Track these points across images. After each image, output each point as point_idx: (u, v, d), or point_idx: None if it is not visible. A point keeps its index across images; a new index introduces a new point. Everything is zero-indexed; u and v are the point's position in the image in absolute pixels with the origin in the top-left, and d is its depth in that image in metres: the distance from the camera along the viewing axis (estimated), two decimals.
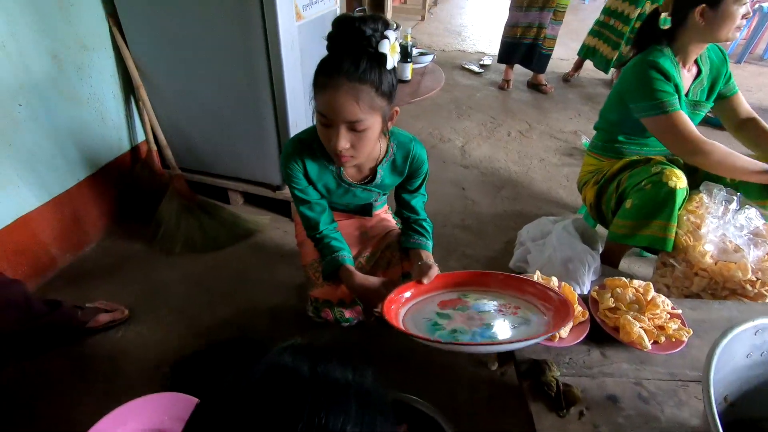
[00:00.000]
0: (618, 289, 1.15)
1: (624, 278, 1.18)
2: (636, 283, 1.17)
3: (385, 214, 1.56)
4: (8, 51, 1.43)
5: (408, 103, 2.18)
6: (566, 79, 3.95)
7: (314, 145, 1.15)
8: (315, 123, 1.06)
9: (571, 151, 2.82)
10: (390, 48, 0.95)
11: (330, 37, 0.98)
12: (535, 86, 3.72)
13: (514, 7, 3.33)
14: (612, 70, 3.67)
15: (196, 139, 2.02)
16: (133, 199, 2.04)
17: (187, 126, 1.98)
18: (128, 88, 1.95)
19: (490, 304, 1.05)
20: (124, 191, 2.02)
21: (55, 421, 1.29)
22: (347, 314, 1.26)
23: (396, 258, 1.34)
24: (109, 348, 1.50)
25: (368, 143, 1.02)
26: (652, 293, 1.12)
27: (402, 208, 1.35)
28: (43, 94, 1.58)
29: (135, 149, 2.07)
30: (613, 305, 1.11)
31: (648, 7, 3.20)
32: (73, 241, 1.84)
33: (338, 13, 2.12)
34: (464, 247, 2.01)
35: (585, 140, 2.86)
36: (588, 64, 3.86)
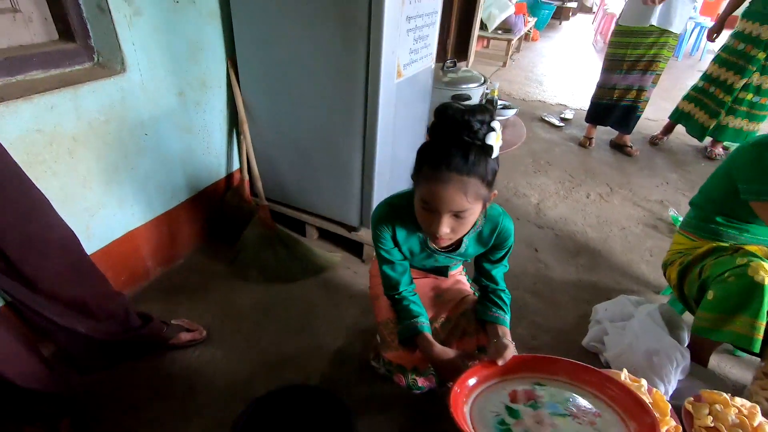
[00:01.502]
0: (717, 406, 1.05)
1: (724, 394, 1.08)
2: (739, 401, 1.07)
3: (460, 276, 1.56)
4: (147, 88, 1.63)
5: None
6: (654, 142, 3.77)
7: (404, 212, 1.18)
8: (414, 202, 1.08)
9: (656, 223, 2.66)
10: (496, 139, 0.96)
11: (434, 126, 1.01)
12: (619, 147, 3.58)
13: (611, 70, 3.24)
14: (707, 139, 3.46)
15: (284, 172, 2.14)
16: (221, 223, 2.20)
17: (278, 160, 2.12)
18: (233, 122, 2.12)
19: (566, 405, 1.00)
20: (215, 214, 2.19)
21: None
22: (420, 382, 1.25)
23: (471, 329, 1.33)
24: (186, 366, 1.60)
25: (468, 226, 1.04)
26: (759, 419, 1.02)
27: (481, 276, 1.34)
28: (165, 125, 1.77)
29: (229, 177, 2.23)
30: (712, 425, 1.02)
31: (756, 79, 3.01)
32: (166, 256, 2.00)
33: (432, 68, 2.19)
34: (534, 314, 1.94)
35: (673, 213, 2.69)
36: (679, 128, 3.67)
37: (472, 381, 1.09)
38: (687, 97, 3.49)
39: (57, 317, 1.29)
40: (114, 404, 1.46)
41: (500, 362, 1.09)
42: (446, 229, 1.01)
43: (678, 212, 2.70)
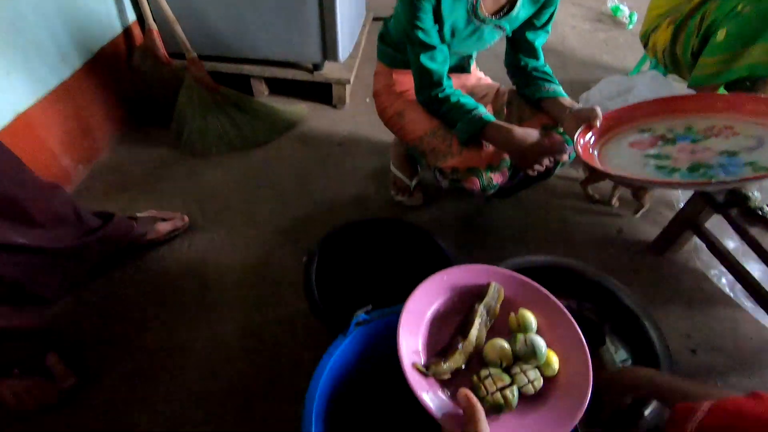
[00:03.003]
0: None
1: None
2: None
3: (479, 73, 1.35)
4: None
5: None
6: None
7: None
8: None
9: (599, 17, 2.63)
10: None
11: None
12: None
13: None
14: None
15: (210, 13, 1.62)
16: (143, 101, 1.67)
17: None
18: None
19: (696, 132, 0.87)
20: (130, 91, 1.64)
21: (153, 345, 1.09)
22: (495, 179, 1.09)
23: (527, 112, 1.16)
24: (181, 261, 1.26)
25: None
26: None
27: (520, 53, 1.15)
28: None
29: (127, 31, 1.64)
30: None
31: None
32: (83, 149, 1.48)
33: None
34: None
35: (611, 3, 2.66)
36: None
37: (586, 138, 0.94)
38: None
39: None
40: (107, 323, 1.12)
41: (597, 123, 0.95)
42: None
43: (616, 1, 2.67)
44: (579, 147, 0.92)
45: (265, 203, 1.44)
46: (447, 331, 0.64)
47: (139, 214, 1.28)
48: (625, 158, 0.88)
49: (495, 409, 0.53)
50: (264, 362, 1.06)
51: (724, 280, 1.27)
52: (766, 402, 0.46)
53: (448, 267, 0.70)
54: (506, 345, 0.59)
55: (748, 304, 1.21)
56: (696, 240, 1.33)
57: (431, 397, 0.54)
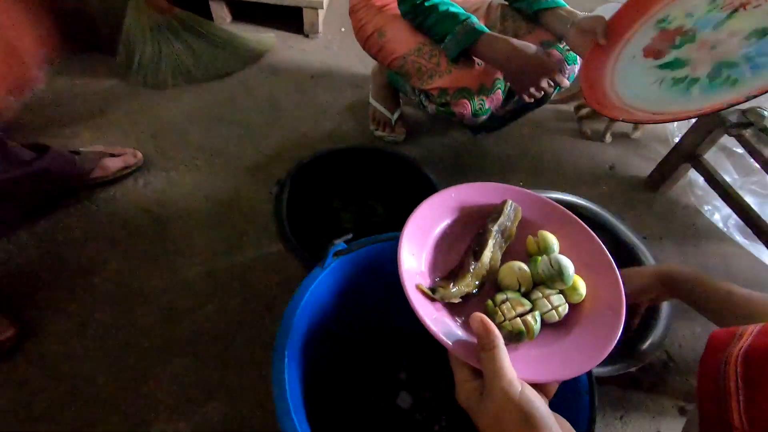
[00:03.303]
0: None
1: None
2: None
3: None
4: None
5: None
6: None
7: None
8: None
9: None
10: None
11: None
12: None
13: None
14: None
15: None
16: (78, 19, 1.44)
17: None
18: None
19: (716, 9, 0.72)
20: (64, 7, 1.41)
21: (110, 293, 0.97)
22: (487, 103, 0.97)
23: (524, 28, 1.03)
24: (136, 202, 1.12)
25: None
26: None
27: None
28: None
29: None
30: None
31: None
32: (12, 76, 1.28)
33: None
34: None
35: None
36: None
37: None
38: None
39: None
40: (51, 269, 0.98)
41: (601, 40, 0.84)
42: None
43: None
44: (585, 89, 0.80)
45: (230, 139, 1.29)
46: (455, 254, 0.53)
47: (82, 149, 1.12)
48: (640, 79, 0.77)
49: (514, 337, 0.44)
50: (234, 307, 0.96)
51: (718, 216, 1.23)
52: None
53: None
54: (525, 267, 0.49)
55: (742, 239, 1.18)
56: (691, 175, 1.28)
57: (439, 323, 0.45)
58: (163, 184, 1.16)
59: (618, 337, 0.43)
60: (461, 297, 0.48)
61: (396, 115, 1.30)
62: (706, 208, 1.24)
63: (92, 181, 1.11)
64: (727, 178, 1.19)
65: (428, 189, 0.92)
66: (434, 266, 0.52)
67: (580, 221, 0.55)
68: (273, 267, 1.03)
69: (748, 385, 0.37)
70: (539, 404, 0.36)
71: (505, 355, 0.38)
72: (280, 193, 0.83)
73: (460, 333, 0.45)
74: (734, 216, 1.16)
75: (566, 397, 0.56)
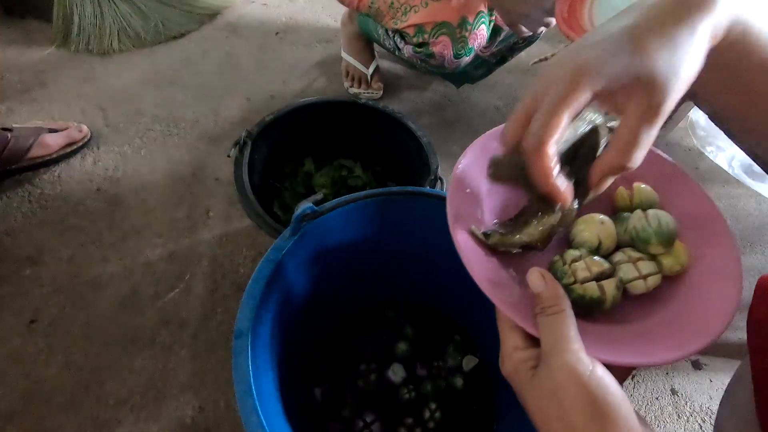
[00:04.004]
0: None
1: None
2: None
3: None
4: None
5: None
6: None
7: None
8: None
9: None
10: None
11: None
12: None
13: None
14: None
15: None
16: None
17: None
18: None
19: None
20: None
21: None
22: (470, 41, 0.85)
23: None
24: (88, 180, 1.00)
25: None
26: None
27: None
28: None
29: None
30: None
31: None
32: None
33: None
34: None
35: None
36: None
37: None
38: None
39: None
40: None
41: None
42: None
43: None
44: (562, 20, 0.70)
45: (188, 106, 1.16)
46: (519, 202, 0.40)
47: (15, 125, 0.98)
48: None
49: (585, 305, 0.33)
50: (202, 290, 0.86)
51: (722, 157, 1.15)
52: None
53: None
54: (609, 221, 0.38)
55: (748, 179, 1.10)
56: (691, 116, 1.19)
57: (487, 272, 0.34)
58: (116, 161, 1.04)
59: (728, 321, 0.33)
60: (521, 247, 0.36)
61: (372, 69, 1.18)
62: (708, 149, 1.16)
63: (32, 160, 0.98)
64: None
65: (413, 145, 0.82)
66: (492, 210, 0.41)
67: (686, 172, 0.42)
68: (244, 243, 0.92)
69: None
70: (616, 390, 0.27)
71: (572, 323, 0.29)
72: (240, 156, 0.72)
73: (513, 288, 0.34)
74: (738, 156, 1.08)
75: None
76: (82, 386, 0.75)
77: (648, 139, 0.29)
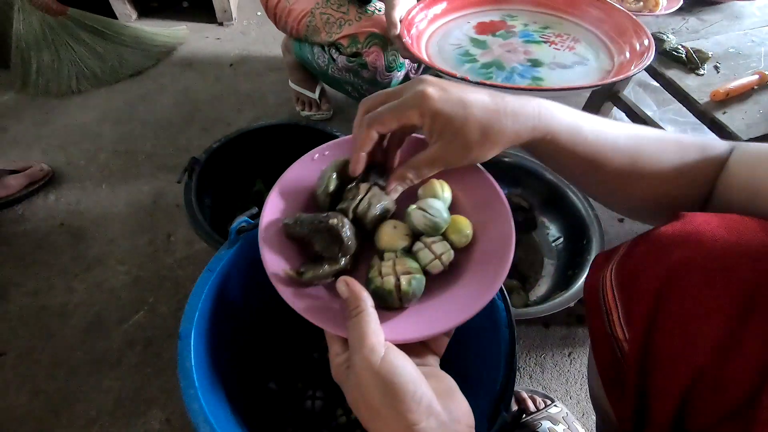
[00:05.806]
0: None
1: None
2: None
3: None
4: None
5: None
6: None
7: None
8: None
9: None
10: None
11: None
12: None
13: None
14: None
15: None
16: None
17: None
18: None
19: (543, 33, 0.87)
20: None
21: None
22: (401, 56, 0.94)
23: None
24: (50, 217, 1.04)
25: None
26: None
27: None
28: None
29: None
30: None
31: None
32: None
33: None
34: None
35: None
36: None
37: (436, 10, 0.90)
38: None
39: None
40: None
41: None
42: None
43: None
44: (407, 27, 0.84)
45: (147, 139, 1.22)
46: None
47: None
48: (452, 36, 0.88)
49: (388, 298, 0.38)
50: (166, 311, 0.91)
51: None
52: (690, 220, 0.37)
53: None
54: (398, 223, 0.44)
55: None
56: (615, 114, 1.30)
57: (306, 298, 0.40)
58: (78, 195, 1.09)
59: (506, 271, 0.39)
60: (334, 275, 0.41)
61: (318, 92, 1.26)
62: None
63: None
64: (648, 112, 1.22)
65: None
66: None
67: (479, 167, 0.48)
68: (205, 263, 0.97)
69: (623, 293, 0.37)
70: (402, 370, 0.32)
71: (371, 319, 0.34)
72: (189, 181, 0.78)
73: (333, 304, 0.40)
74: None
75: (487, 335, 0.55)
76: (52, 411, 0.78)
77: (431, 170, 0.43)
